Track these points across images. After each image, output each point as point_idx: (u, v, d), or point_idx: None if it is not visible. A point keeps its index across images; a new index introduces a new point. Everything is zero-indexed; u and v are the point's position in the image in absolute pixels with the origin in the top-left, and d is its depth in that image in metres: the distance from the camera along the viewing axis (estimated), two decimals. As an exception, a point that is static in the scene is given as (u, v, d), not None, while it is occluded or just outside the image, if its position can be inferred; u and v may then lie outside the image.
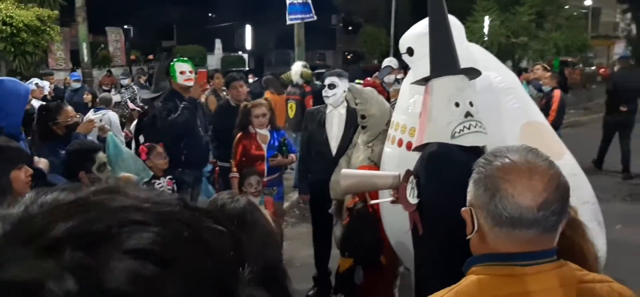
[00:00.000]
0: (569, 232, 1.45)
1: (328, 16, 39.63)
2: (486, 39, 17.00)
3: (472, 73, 2.30)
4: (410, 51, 2.87)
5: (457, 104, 2.16)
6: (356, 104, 3.56)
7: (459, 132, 2.11)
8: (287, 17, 8.66)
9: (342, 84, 4.02)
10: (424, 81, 2.32)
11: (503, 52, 15.02)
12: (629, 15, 22.66)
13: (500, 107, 2.53)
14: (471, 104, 2.18)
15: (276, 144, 4.47)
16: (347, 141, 3.93)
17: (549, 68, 7.99)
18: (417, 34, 2.84)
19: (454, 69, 2.26)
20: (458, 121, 2.13)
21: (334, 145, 4.03)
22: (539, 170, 1.21)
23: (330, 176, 3.81)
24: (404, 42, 2.92)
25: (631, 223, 5.55)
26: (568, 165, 2.35)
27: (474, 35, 17.17)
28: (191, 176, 4.69)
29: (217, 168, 5.42)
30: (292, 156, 4.62)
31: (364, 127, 3.56)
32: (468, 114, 2.14)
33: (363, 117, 3.53)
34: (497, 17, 17.42)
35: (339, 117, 4.06)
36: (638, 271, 3.03)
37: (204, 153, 5.01)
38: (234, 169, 4.37)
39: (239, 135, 4.40)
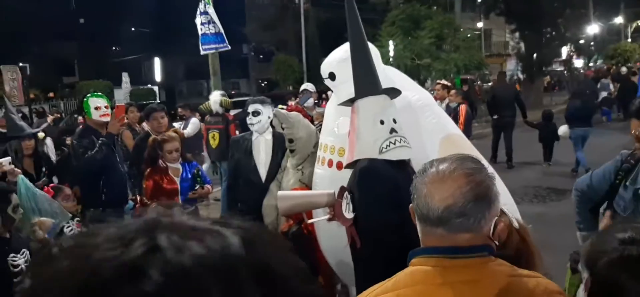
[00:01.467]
0: (518, 244, 1.60)
1: (239, 45, 39.60)
2: (392, 62, 17.91)
3: (393, 92, 2.48)
4: (332, 76, 3.02)
5: (382, 122, 2.31)
6: (283, 129, 3.63)
7: (386, 148, 2.25)
8: (201, 47, 8.56)
9: (266, 111, 4.08)
10: (350, 102, 2.47)
11: (409, 73, 15.80)
12: (517, 34, 24.97)
13: (419, 123, 2.74)
14: (395, 121, 2.34)
15: (189, 176, 4.39)
16: (275, 166, 3.98)
17: (449, 85, 8.92)
18: (338, 60, 3.00)
19: (376, 89, 2.42)
20: (384, 137, 2.27)
21: (263, 171, 4.06)
22: (455, 175, 1.30)
23: (261, 203, 3.83)
24: (326, 68, 3.06)
25: (540, 223, 6.11)
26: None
27: (381, 58, 18.01)
28: (112, 215, 4.49)
29: (138, 205, 5.23)
30: (208, 187, 4.56)
31: (292, 151, 3.63)
32: (393, 131, 2.29)
33: (291, 141, 3.60)
34: (401, 42, 18.44)
35: (266, 143, 4.10)
36: (553, 268, 3.33)
37: (125, 190, 4.83)
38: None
39: (148, 170, 4.26)
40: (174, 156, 4.25)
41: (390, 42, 18.20)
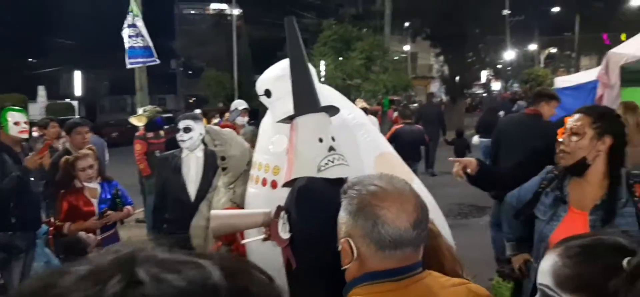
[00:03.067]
0: (432, 242, 1.59)
1: (168, 60, 38.56)
2: (324, 81, 18.14)
3: (332, 110, 2.44)
4: (268, 93, 2.95)
5: (320, 140, 2.25)
6: (215, 146, 3.51)
7: (325, 166, 2.20)
8: (127, 61, 8.18)
9: (198, 127, 3.93)
10: (289, 119, 2.41)
11: (340, 92, 16.14)
12: (441, 58, 26.26)
13: (355, 141, 2.73)
14: (333, 139, 2.29)
15: (108, 196, 4.12)
16: (206, 185, 3.82)
17: (367, 107, 9.30)
18: (275, 77, 2.95)
19: (316, 107, 2.37)
20: (323, 155, 2.22)
21: (192, 190, 3.89)
22: (406, 194, 1.32)
23: (189, 223, 3.66)
24: (262, 85, 3.00)
25: (459, 235, 6.34)
26: (417, 186, 2.60)
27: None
28: (24, 239, 4.11)
29: (52, 228, 4.83)
30: (129, 208, 4.28)
31: (224, 169, 3.51)
32: (331, 148, 2.24)
33: (223, 158, 3.48)
34: (332, 62, 18.76)
35: (196, 160, 3.94)
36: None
37: (38, 213, 4.44)
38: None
39: (61, 191, 3.96)
40: (88, 174, 3.97)
41: (322, 62, 18.46)
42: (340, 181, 2.13)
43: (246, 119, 6.60)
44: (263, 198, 2.86)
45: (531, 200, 2.37)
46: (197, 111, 4.25)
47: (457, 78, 23.32)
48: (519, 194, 2.52)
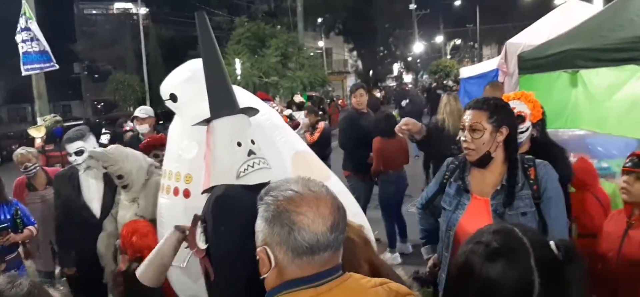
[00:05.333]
0: (348, 251, 1.53)
1: (70, 64, 36.10)
2: (240, 80, 17.88)
3: (251, 111, 2.33)
4: (173, 97, 2.78)
5: (239, 144, 2.14)
6: (106, 168, 3.28)
7: (244, 172, 2.10)
8: (22, 67, 7.52)
9: (90, 142, 3.67)
10: (205, 122, 2.27)
11: (257, 90, 15.98)
12: (354, 53, 26.87)
13: (271, 142, 2.65)
14: (253, 142, 2.19)
15: (8, 217, 3.82)
16: (110, 200, 3.56)
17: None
18: (181, 80, 2.78)
19: (233, 108, 2.25)
20: (242, 160, 2.11)
21: (96, 207, 3.61)
22: (322, 197, 1.30)
23: (95, 242, 3.40)
24: (167, 89, 2.81)
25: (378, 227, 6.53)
26: (335, 185, 2.58)
27: (229, 77, 17.87)
28: None
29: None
30: (31, 228, 3.97)
31: (125, 187, 3.30)
32: (251, 152, 2.14)
33: (120, 177, 3.27)
34: (248, 60, 18.51)
35: (96, 175, 3.66)
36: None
37: None
38: None
39: None
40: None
41: (237, 60, 18.16)
42: (260, 186, 2.04)
43: (145, 127, 5.81)
44: (176, 208, 2.71)
45: (436, 191, 2.47)
46: (82, 126, 3.86)
47: (371, 72, 23.94)
48: (427, 192, 2.61)
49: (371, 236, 1.90)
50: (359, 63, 25.77)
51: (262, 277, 1.31)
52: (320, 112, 10.84)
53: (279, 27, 21.83)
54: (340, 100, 26.68)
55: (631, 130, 4.12)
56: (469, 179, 2.33)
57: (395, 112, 11.82)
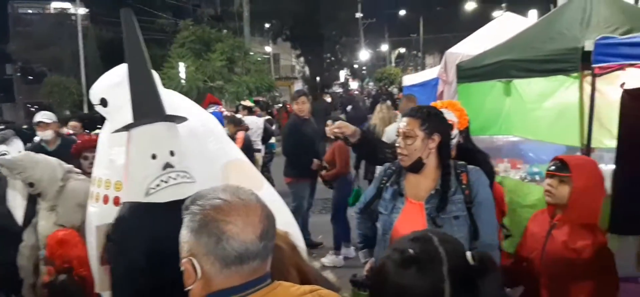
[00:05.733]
0: (276, 257, 1.51)
1: (2, 65, 34.10)
2: (184, 84, 17.48)
3: (179, 119, 2.21)
4: (103, 102, 2.64)
5: (154, 156, 1.99)
6: (16, 177, 3.10)
7: (155, 188, 1.93)
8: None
9: (14, 147, 3.47)
10: (126, 129, 2.13)
11: (202, 95, 15.67)
12: (302, 59, 26.93)
13: (204, 150, 2.56)
14: (172, 153, 2.04)
15: None
16: (32, 209, 3.36)
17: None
18: (111, 84, 2.64)
19: (158, 115, 2.12)
20: (154, 175, 1.96)
21: (19, 214, 3.39)
22: (252, 205, 1.27)
23: (17, 253, 3.19)
24: (96, 93, 2.66)
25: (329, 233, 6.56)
26: (268, 193, 2.53)
27: (172, 81, 17.43)
28: None
29: None
30: None
31: (40, 195, 3.13)
32: (167, 166, 1.98)
33: (31, 185, 3.09)
34: (193, 64, 18.13)
35: (21, 183, 3.45)
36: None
37: None
38: None
39: None
40: None
41: (181, 64, 17.75)
42: (177, 203, 1.92)
43: (49, 133, 5.48)
44: (105, 217, 2.56)
45: (374, 196, 2.52)
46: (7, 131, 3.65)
47: (318, 78, 24.08)
48: (365, 197, 2.66)
49: (300, 243, 1.87)
50: (306, 69, 25.86)
51: (186, 289, 1.26)
52: (269, 116, 10.75)
53: (225, 31, 21.53)
54: (289, 106, 26.67)
55: (560, 137, 4.32)
56: (404, 184, 2.40)
57: (342, 116, 11.93)
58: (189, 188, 1.98)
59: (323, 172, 5.78)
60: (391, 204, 2.39)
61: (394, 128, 5.50)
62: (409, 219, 2.30)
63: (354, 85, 38.44)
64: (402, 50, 52.50)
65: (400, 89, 18.09)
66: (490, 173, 2.92)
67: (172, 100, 2.59)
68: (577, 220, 2.27)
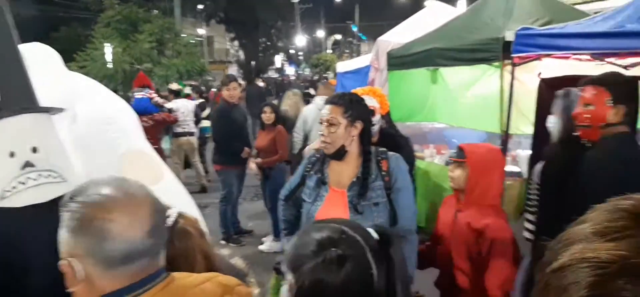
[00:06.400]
0: (186, 243, 1.49)
1: None
2: (110, 66, 16.60)
3: (53, 110, 1.89)
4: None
5: (12, 154, 1.72)
6: None
7: (11, 191, 1.68)
8: None
9: None
10: None
11: (129, 78, 14.95)
12: (236, 43, 26.34)
13: (101, 139, 2.33)
14: (35, 150, 1.77)
15: None
16: None
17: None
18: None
19: (27, 105, 1.81)
20: (12, 176, 1.70)
21: None
22: (138, 199, 1.19)
23: None
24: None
25: (261, 219, 6.42)
26: (169, 184, 2.37)
27: (96, 62, 16.51)
28: None
29: None
30: None
31: None
32: (27, 165, 1.72)
33: None
34: (119, 45, 17.23)
35: None
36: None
37: None
38: None
39: None
40: None
41: (107, 45, 16.81)
42: (41, 206, 1.69)
43: None
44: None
45: (298, 183, 2.50)
46: None
47: (253, 63, 23.70)
48: (290, 185, 2.62)
49: (206, 229, 1.77)
50: (241, 53, 25.39)
51: (69, 290, 1.15)
52: (203, 100, 10.43)
53: (154, 11, 20.60)
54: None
55: (481, 124, 4.47)
56: (327, 172, 2.39)
57: (276, 102, 11.81)
58: (54, 189, 1.74)
59: (259, 160, 5.64)
60: (315, 192, 2.37)
61: (309, 111, 5.55)
62: (331, 207, 2.29)
63: (290, 70, 38.31)
64: (338, 36, 52.89)
65: (334, 76, 18.21)
66: (411, 157, 2.99)
67: (74, 85, 2.34)
68: (477, 202, 2.38)
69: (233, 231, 6.01)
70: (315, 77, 24.86)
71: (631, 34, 2.69)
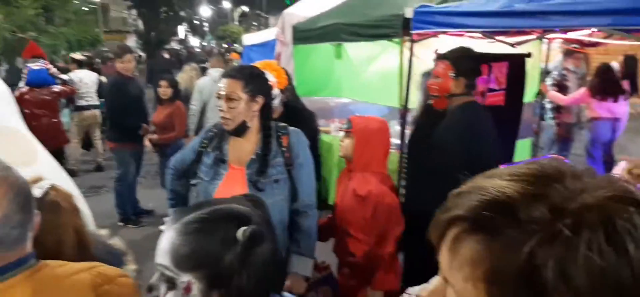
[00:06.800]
0: (55, 217, 1.39)
1: None
2: (-14, 34, 14.87)
3: None
4: None
5: None
6: None
7: None
8: None
9: None
10: None
11: (10, 48, 13.51)
12: (134, 11, 24.73)
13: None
14: None
15: None
16: None
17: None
18: None
19: None
20: None
21: None
22: None
23: None
24: None
25: (151, 199, 6.12)
26: (44, 165, 2.20)
27: None
28: None
29: None
30: None
31: None
32: None
33: None
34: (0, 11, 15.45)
35: None
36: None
37: None
38: None
39: None
40: None
41: (-17, 10, 15.01)
42: None
43: None
44: None
45: (194, 160, 2.37)
46: None
47: (153, 33, 22.47)
48: (183, 156, 2.49)
49: (85, 210, 1.66)
50: (139, 23, 23.94)
51: None
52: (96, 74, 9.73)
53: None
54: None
55: (383, 99, 4.57)
56: (227, 149, 2.29)
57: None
58: None
59: (155, 137, 5.35)
60: (212, 170, 2.27)
61: (204, 83, 5.45)
62: (230, 185, 2.21)
63: (194, 42, 36.86)
64: (246, 8, 51.73)
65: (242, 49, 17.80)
66: (315, 132, 3.00)
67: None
68: (363, 169, 2.50)
69: (132, 212, 5.70)
70: (222, 50, 24.17)
71: (519, 14, 2.83)
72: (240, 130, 2.21)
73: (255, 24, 46.61)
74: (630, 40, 3.61)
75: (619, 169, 2.90)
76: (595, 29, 3.44)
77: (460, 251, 0.52)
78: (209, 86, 5.29)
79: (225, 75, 2.22)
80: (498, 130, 4.33)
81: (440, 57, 2.92)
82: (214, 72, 5.96)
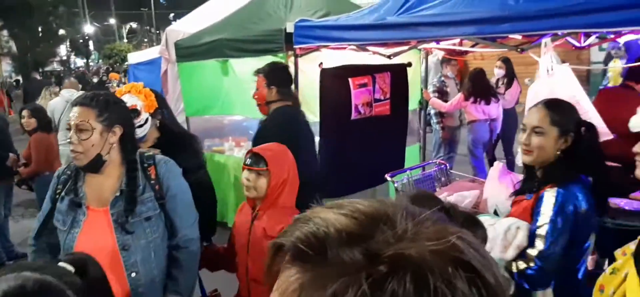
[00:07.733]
0: None
1: None
2: None
3: None
4: None
5: None
6: None
7: None
8: None
9: None
10: None
11: None
12: (6, 32, 22.47)
13: None
14: None
15: None
16: None
17: None
18: None
19: None
20: None
21: None
22: None
23: None
24: None
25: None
26: None
27: None
28: None
29: None
30: None
31: None
32: None
33: None
34: None
35: None
36: None
37: None
38: None
39: None
40: None
41: None
42: None
43: None
44: None
45: (51, 209, 2.05)
46: None
47: (29, 54, 20.62)
48: (39, 216, 2.14)
49: None
50: (12, 44, 21.82)
51: None
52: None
53: None
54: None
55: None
56: (84, 189, 2.00)
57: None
58: None
59: (21, 169, 4.83)
60: (69, 217, 1.97)
61: (56, 103, 5.17)
62: (92, 231, 1.94)
63: (79, 62, 34.39)
64: (134, 24, 49.25)
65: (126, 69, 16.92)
66: (195, 156, 2.77)
67: None
68: (272, 206, 2.26)
69: (5, 257, 5.08)
70: (109, 68, 22.76)
71: (391, 26, 2.91)
72: (96, 165, 1.94)
73: (146, 40, 44.62)
74: (494, 47, 3.88)
75: (495, 170, 3.05)
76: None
77: (281, 278, 0.51)
78: (60, 106, 5.08)
79: (75, 103, 1.95)
80: (387, 139, 4.47)
81: (256, 72, 3.40)
82: (66, 93, 6.03)
